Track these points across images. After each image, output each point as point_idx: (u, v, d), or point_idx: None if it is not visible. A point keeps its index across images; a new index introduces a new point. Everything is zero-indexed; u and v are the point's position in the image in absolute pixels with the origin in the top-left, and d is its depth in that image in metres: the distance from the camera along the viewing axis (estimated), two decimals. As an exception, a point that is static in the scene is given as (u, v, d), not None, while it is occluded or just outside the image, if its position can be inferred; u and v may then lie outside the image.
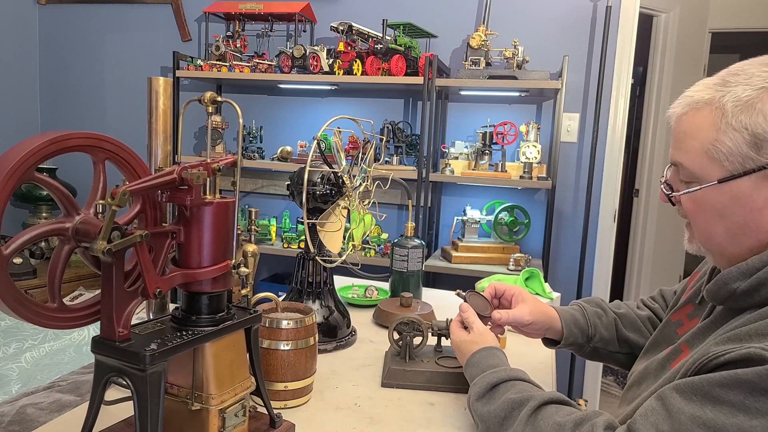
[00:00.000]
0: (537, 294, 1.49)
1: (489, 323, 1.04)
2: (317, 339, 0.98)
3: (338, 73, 2.70)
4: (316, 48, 2.68)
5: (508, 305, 1.08)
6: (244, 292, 0.82)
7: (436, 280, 2.79)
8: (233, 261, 0.75)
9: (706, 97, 0.75)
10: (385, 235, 2.93)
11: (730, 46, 4.54)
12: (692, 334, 0.81)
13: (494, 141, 2.68)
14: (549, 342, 1.11)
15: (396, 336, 1.09)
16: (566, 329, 1.06)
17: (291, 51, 2.69)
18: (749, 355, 0.63)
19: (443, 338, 1.11)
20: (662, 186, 0.83)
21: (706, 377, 0.65)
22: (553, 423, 0.74)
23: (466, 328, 1.02)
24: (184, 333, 0.71)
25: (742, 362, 0.64)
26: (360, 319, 1.41)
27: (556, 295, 1.51)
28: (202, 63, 2.94)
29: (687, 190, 0.77)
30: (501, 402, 0.81)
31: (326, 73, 2.71)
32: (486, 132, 2.68)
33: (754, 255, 0.74)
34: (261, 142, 3.10)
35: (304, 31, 3.05)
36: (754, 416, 0.61)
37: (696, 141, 0.74)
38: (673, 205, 0.82)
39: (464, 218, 2.67)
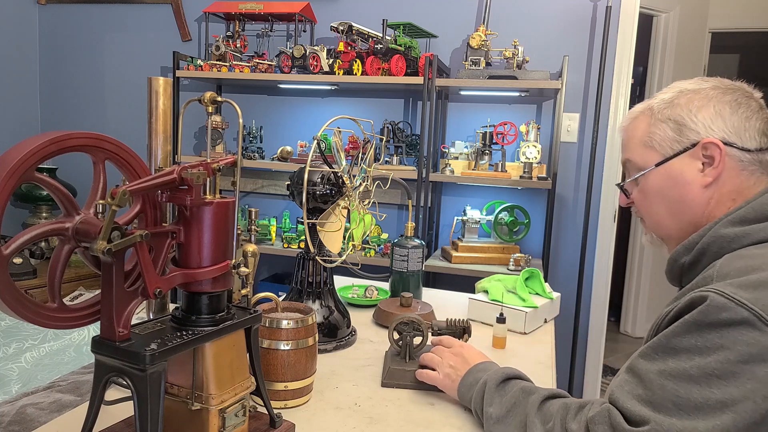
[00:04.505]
0: (537, 294, 1.49)
1: None
2: (317, 339, 0.98)
3: (338, 73, 2.70)
4: (316, 48, 2.68)
5: None
6: (244, 292, 0.82)
7: (436, 280, 2.79)
8: (233, 261, 0.75)
9: (642, 107, 0.94)
10: (385, 235, 2.93)
11: (730, 46, 4.54)
12: None
13: (494, 141, 2.68)
14: None
15: (396, 336, 1.09)
16: None
17: (291, 51, 2.69)
18: (691, 300, 0.72)
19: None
20: (619, 193, 0.99)
21: (661, 334, 0.74)
22: (562, 404, 0.81)
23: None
24: (184, 333, 0.70)
25: (686, 309, 0.72)
26: (360, 319, 1.41)
27: (556, 295, 1.51)
28: (202, 63, 2.94)
29: (634, 177, 0.94)
30: (516, 389, 0.88)
31: (326, 73, 2.71)
32: (486, 132, 2.68)
33: (696, 231, 0.86)
34: (261, 142, 3.10)
35: (304, 31, 3.05)
36: (707, 354, 0.68)
37: (636, 139, 0.93)
38: (627, 196, 0.97)
39: (464, 218, 2.67)
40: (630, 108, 2.81)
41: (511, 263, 2.54)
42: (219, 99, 0.77)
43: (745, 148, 0.85)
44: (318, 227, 1.14)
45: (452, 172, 2.70)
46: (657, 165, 0.89)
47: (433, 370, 1.02)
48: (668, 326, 0.74)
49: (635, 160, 0.93)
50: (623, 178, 0.98)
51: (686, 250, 0.86)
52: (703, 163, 0.86)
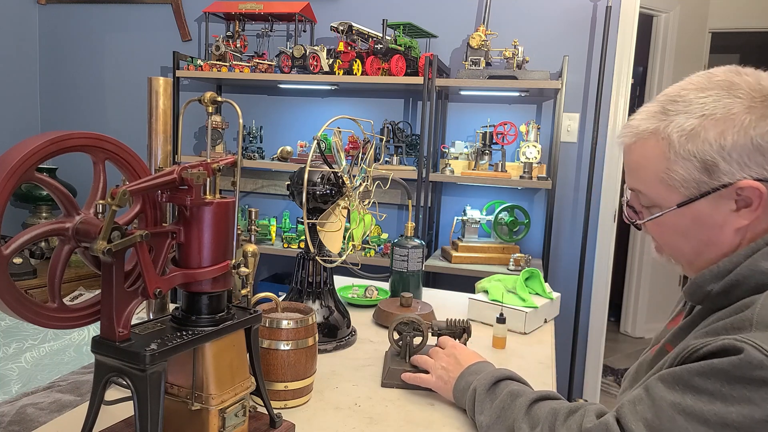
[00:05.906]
0: (537, 294, 1.49)
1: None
2: (317, 339, 0.98)
3: (338, 73, 2.70)
4: (316, 48, 2.68)
5: None
6: (244, 292, 0.82)
7: (436, 280, 2.79)
8: (233, 261, 0.75)
9: (651, 127, 0.77)
10: (385, 235, 2.93)
11: (730, 46, 4.54)
12: (674, 333, 0.84)
13: (494, 141, 2.68)
14: None
15: (396, 336, 1.09)
16: None
17: (291, 51, 2.69)
18: (724, 346, 0.66)
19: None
20: (626, 209, 0.86)
21: (686, 367, 0.68)
22: (550, 408, 0.79)
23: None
24: (184, 333, 0.70)
25: (718, 353, 0.67)
26: (360, 319, 1.41)
27: (556, 295, 1.51)
28: (202, 63, 2.94)
29: (651, 217, 0.81)
30: (504, 393, 0.86)
31: (326, 73, 2.71)
32: (486, 132, 2.68)
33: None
34: (261, 142, 3.10)
35: (304, 31, 3.05)
36: (730, 404, 0.64)
37: (649, 171, 0.78)
38: (638, 228, 0.85)
39: (464, 218, 2.67)
40: (629, 108, 2.82)
41: (511, 263, 2.54)
42: (219, 99, 0.77)
43: None
44: (318, 227, 1.14)
45: (452, 172, 2.70)
46: (679, 206, 0.76)
47: (428, 372, 1.02)
48: (694, 361, 0.69)
49: (650, 195, 0.79)
50: (629, 196, 0.85)
51: (715, 278, 0.75)
52: (736, 201, 0.74)
